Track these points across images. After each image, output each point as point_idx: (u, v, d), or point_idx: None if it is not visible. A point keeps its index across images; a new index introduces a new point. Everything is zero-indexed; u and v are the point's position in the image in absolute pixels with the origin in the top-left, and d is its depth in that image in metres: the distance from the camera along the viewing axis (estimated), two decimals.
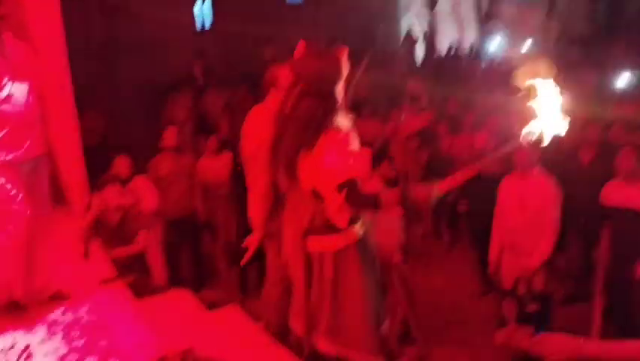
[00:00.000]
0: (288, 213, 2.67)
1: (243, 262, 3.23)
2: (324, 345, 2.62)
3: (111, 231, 4.22)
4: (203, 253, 5.99)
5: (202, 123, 8.62)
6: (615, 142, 4.90)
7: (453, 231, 6.41)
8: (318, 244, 2.51)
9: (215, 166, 5.60)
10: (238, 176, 4.98)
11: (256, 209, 3.16)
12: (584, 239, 4.94)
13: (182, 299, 3.23)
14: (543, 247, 4.06)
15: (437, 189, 2.35)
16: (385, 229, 4.13)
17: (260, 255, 4.33)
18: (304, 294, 2.61)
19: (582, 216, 4.72)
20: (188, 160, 5.69)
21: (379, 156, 4.51)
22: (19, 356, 2.19)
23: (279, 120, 2.52)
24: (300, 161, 2.43)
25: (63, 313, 2.73)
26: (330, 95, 2.44)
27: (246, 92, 8.91)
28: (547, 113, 2.30)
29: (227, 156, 5.65)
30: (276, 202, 3.07)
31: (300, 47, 2.57)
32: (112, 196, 4.18)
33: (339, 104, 2.45)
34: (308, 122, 2.40)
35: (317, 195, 2.43)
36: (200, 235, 5.92)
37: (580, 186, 4.61)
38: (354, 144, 2.41)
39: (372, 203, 2.44)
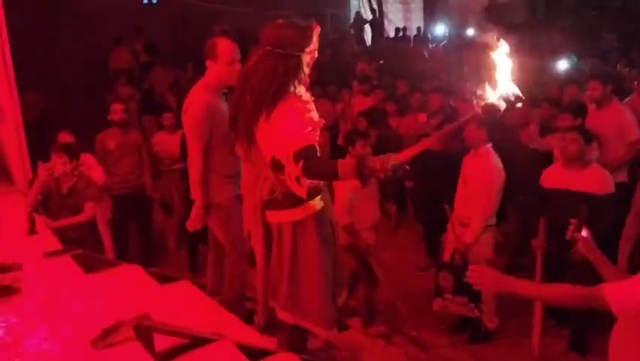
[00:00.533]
0: (247, 185, 2.67)
1: (190, 227, 3.30)
2: (282, 315, 2.69)
3: (60, 202, 4.18)
4: (152, 231, 5.94)
5: (149, 101, 8.49)
6: (551, 124, 5.17)
7: (399, 208, 6.58)
8: (278, 215, 2.52)
9: (170, 142, 5.55)
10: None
11: (195, 181, 3.25)
12: (522, 215, 5.19)
13: (133, 274, 3.22)
14: (476, 222, 4.30)
15: (393, 159, 2.37)
16: (361, 207, 4.36)
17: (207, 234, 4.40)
18: (263, 265, 2.67)
19: (521, 193, 4.96)
20: (137, 136, 5.61)
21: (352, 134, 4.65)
22: None
23: (239, 86, 2.50)
24: (259, 127, 2.41)
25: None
26: (293, 58, 2.40)
27: (194, 70, 8.82)
28: (500, 81, 2.38)
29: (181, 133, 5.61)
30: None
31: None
32: (58, 165, 4.14)
33: (302, 73, 2.44)
34: (269, 79, 2.37)
35: (277, 165, 2.40)
36: (150, 212, 5.86)
37: (519, 165, 4.86)
38: (313, 114, 2.41)
39: (330, 173, 2.41)
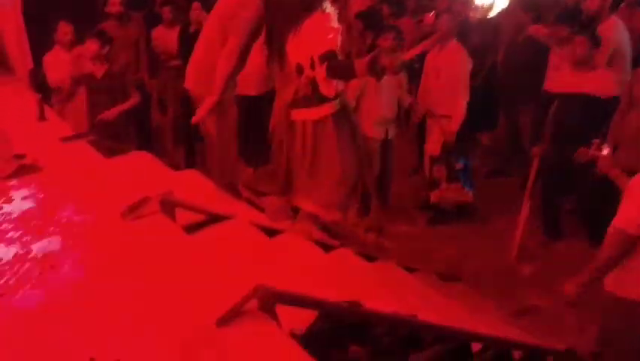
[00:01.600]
0: (278, 88, 3.06)
1: (196, 119, 3.47)
2: (301, 202, 3.05)
3: (97, 86, 4.46)
4: (149, 128, 6.02)
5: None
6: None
7: None
8: (300, 114, 2.89)
9: (168, 37, 5.50)
10: (189, 49, 4.98)
11: (224, 75, 3.34)
12: (513, 119, 5.37)
13: (146, 160, 3.37)
14: (457, 110, 4.65)
15: (402, 55, 2.75)
16: (371, 100, 4.55)
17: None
18: (284, 159, 3.00)
19: (511, 97, 5.11)
20: (134, 29, 5.55)
21: None
22: None
23: (272, 7, 2.92)
24: (288, 41, 2.77)
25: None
26: None
27: None
28: None
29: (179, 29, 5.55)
30: (239, 66, 3.31)
31: None
32: (92, 49, 4.39)
33: None
34: (296, 3, 2.74)
35: (300, 70, 2.78)
36: (147, 109, 5.91)
37: (513, 69, 4.99)
38: (334, 23, 2.76)
39: (348, 72, 2.82)
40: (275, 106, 3.17)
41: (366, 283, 2.72)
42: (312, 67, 2.72)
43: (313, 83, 2.78)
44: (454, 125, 4.68)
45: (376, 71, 2.65)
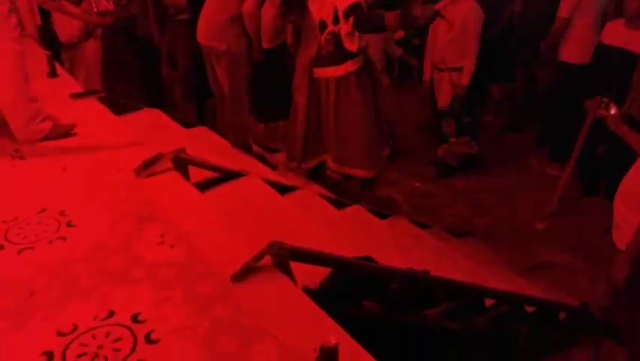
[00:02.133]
0: (301, 47, 3.08)
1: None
2: (330, 163, 3.14)
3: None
4: (160, 82, 5.98)
5: None
6: None
7: (403, 65, 6.60)
8: (323, 71, 2.92)
9: None
10: (198, 2, 4.88)
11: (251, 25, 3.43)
12: (529, 71, 5.26)
13: (157, 116, 3.35)
14: (468, 63, 4.56)
15: (432, 9, 2.75)
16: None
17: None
18: (305, 115, 3.03)
19: (529, 49, 4.98)
20: None
21: None
22: None
23: None
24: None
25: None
26: None
27: None
28: None
29: None
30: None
31: None
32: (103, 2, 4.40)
33: None
34: None
35: (323, 26, 2.81)
36: (158, 63, 5.86)
37: (532, 19, 4.86)
38: None
39: (378, 24, 2.87)
40: (297, 64, 3.16)
41: (379, 239, 2.72)
42: (336, 22, 2.74)
43: (337, 39, 2.79)
44: (465, 78, 4.61)
45: (408, 22, 2.73)
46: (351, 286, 2.01)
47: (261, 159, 3.87)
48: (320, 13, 2.78)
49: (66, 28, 4.61)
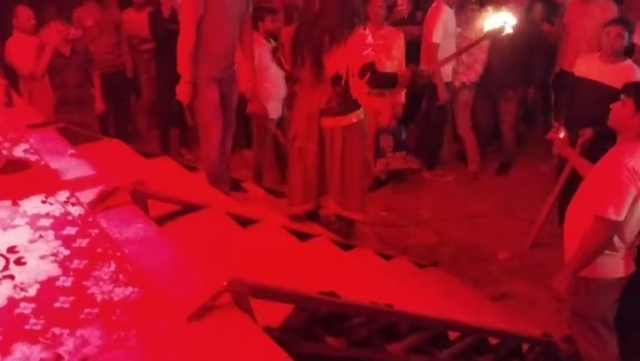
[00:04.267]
0: (305, 96, 3.23)
1: (181, 100, 3.50)
2: (333, 207, 3.32)
3: (64, 63, 4.46)
4: (128, 112, 5.88)
5: None
6: None
7: None
8: (332, 121, 3.11)
9: (138, 20, 5.36)
10: (165, 34, 4.85)
11: (183, 55, 3.41)
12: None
13: (117, 148, 3.27)
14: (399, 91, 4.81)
15: (435, 67, 3.58)
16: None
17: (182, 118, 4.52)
18: (316, 161, 3.22)
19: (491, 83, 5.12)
20: (114, 12, 5.40)
21: None
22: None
23: (305, 24, 3.13)
24: (328, 52, 3.00)
25: None
26: None
27: None
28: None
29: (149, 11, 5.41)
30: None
31: None
32: (56, 29, 4.37)
33: (363, 10, 3.17)
34: (341, 20, 2.98)
35: (337, 80, 3.01)
36: (129, 93, 5.78)
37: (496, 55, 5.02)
38: (370, 38, 3.05)
39: (390, 83, 3.34)
40: (295, 115, 3.32)
41: (343, 272, 2.69)
42: (349, 77, 2.99)
43: (347, 92, 3.04)
44: (401, 97, 4.93)
45: (418, 80, 3.18)
46: (314, 323, 1.97)
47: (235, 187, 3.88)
48: (335, 68, 3.00)
49: (25, 60, 4.50)
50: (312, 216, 3.49)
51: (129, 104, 5.84)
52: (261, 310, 1.77)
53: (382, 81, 3.22)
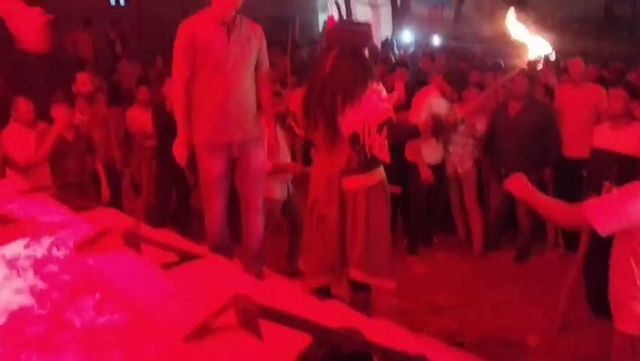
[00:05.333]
0: (322, 159, 3.02)
1: (179, 161, 3.32)
2: (356, 275, 2.96)
3: (67, 149, 4.37)
4: (120, 208, 5.72)
5: (115, 94, 8.28)
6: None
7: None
8: (354, 181, 2.90)
9: (143, 117, 5.37)
10: (166, 128, 4.83)
11: (175, 113, 3.29)
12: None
13: (113, 216, 3.06)
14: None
15: (459, 114, 3.04)
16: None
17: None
18: (338, 228, 2.94)
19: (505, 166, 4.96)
20: (103, 108, 5.45)
21: None
22: None
23: (317, 87, 2.93)
24: (342, 112, 2.85)
25: None
26: (364, 56, 2.92)
27: (163, 63, 8.69)
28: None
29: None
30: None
31: (330, 21, 3.31)
32: (59, 112, 4.33)
33: (372, 66, 2.98)
34: (352, 80, 2.84)
35: (355, 139, 2.85)
36: (119, 189, 5.65)
37: (506, 137, 4.93)
38: (384, 92, 2.94)
39: (412, 133, 3.12)
40: (313, 181, 3.09)
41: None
42: (369, 134, 2.82)
43: (369, 150, 2.85)
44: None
45: (439, 130, 3.01)
46: None
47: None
48: (352, 127, 2.85)
49: (22, 151, 4.40)
50: (324, 292, 3.15)
51: (120, 200, 5.68)
52: (271, 339, 1.47)
53: (401, 133, 3.13)
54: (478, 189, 5.26)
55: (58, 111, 4.24)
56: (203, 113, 3.19)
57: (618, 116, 3.95)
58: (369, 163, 2.92)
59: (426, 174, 4.94)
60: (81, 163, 4.37)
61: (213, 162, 3.26)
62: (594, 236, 3.73)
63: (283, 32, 7.35)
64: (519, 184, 2.49)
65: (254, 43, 3.21)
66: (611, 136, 3.99)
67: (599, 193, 3.18)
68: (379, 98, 2.89)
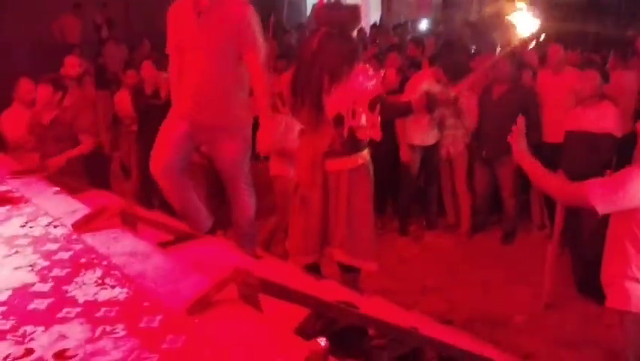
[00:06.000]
0: (307, 140, 2.98)
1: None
2: (339, 256, 2.94)
3: (43, 133, 4.20)
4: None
5: (102, 77, 8.20)
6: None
7: None
8: (337, 163, 2.87)
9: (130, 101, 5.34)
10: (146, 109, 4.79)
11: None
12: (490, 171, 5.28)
13: (105, 197, 3.08)
14: None
15: (453, 90, 3.06)
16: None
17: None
18: (320, 210, 2.91)
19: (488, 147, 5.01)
20: (91, 91, 5.40)
21: None
22: None
23: (304, 66, 2.88)
24: (329, 91, 2.80)
25: None
26: (352, 37, 2.90)
27: (151, 46, 8.61)
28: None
29: None
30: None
31: (320, 2, 3.16)
32: (43, 93, 4.17)
33: (359, 47, 2.96)
34: (340, 59, 2.78)
35: (339, 120, 2.81)
36: (107, 173, 5.63)
37: (489, 120, 4.97)
38: (372, 70, 2.88)
39: (405, 110, 3.03)
40: (298, 162, 3.08)
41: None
42: (353, 116, 2.78)
43: (351, 132, 2.82)
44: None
45: (433, 106, 2.92)
46: (331, 335, 1.68)
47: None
48: (337, 108, 2.82)
49: (15, 131, 4.39)
50: (313, 270, 3.18)
51: (108, 184, 5.65)
52: (269, 312, 1.51)
53: (394, 111, 3.08)
54: (468, 173, 5.30)
55: (43, 91, 4.14)
56: (177, 97, 3.14)
57: (589, 97, 4.02)
58: (352, 146, 2.91)
59: (405, 156, 4.98)
60: (59, 149, 4.20)
61: (178, 123, 3.12)
62: (570, 212, 3.90)
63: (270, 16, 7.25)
64: (517, 149, 2.55)
65: (229, 25, 3.03)
66: (582, 116, 4.07)
67: (574, 176, 3.27)
68: (366, 77, 2.86)
